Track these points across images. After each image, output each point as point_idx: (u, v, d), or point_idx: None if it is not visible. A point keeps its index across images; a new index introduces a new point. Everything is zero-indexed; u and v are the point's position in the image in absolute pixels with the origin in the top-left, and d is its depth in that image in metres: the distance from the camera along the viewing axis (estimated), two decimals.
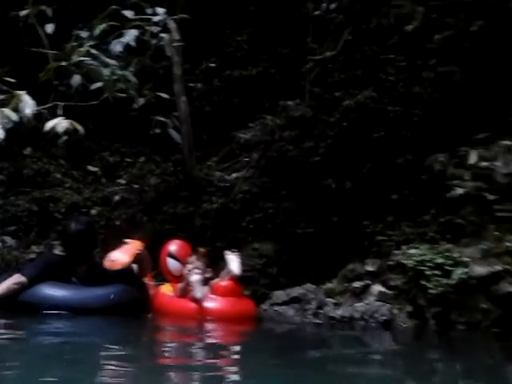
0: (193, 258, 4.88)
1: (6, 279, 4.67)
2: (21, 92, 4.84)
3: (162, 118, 6.29)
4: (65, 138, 8.27)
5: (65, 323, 4.31)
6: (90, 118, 5.27)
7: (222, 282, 4.73)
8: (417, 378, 2.94)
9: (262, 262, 5.59)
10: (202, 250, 4.94)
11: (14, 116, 4.70)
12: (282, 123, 5.86)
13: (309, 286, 4.92)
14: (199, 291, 4.55)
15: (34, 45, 8.13)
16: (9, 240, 7.22)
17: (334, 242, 5.37)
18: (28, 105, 4.72)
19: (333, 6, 5.64)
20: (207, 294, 4.68)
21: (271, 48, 7.14)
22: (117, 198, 7.50)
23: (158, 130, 6.90)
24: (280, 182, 5.78)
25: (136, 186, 7.36)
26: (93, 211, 7.52)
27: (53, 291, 4.59)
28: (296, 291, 4.90)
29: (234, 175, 6.21)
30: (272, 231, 5.70)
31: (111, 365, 3.06)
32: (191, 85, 7.18)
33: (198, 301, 4.59)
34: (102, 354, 3.37)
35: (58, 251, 7.60)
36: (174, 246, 5.25)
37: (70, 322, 4.34)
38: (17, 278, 4.58)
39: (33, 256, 7.59)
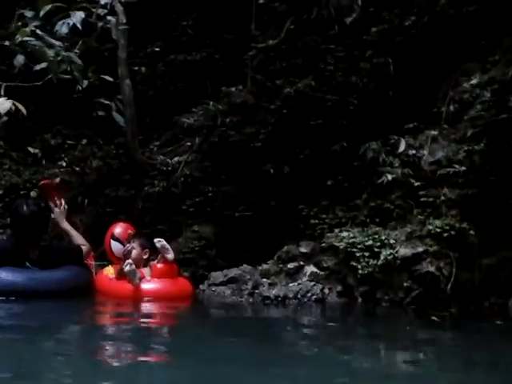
0: (131, 241, 4.96)
1: None
2: None
3: (105, 101, 6.32)
4: (5, 118, 8.17)
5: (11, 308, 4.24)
6: (32, 99, 5.22)
7: (158, 264, 4.83)
8: (342, 351, 3.13)
9: (200, 244, 5.72)
10: (130, 232, 5.05)
11: None
12: (224, 109, 5.97)
13: (245, 267, 5.08)
14: (135, 277, 4.64)
15: None
16: None
17: (271, 224, 5.55)
18: None
19: None
20: (146, 275, 4.78)
21: (216, 34, 7.22)
22: (57, 180, 7.46)
23: (101, 113, 6.89)
24: (221, 166, 5.91)
25: (77, 169, 7.34)
26: (32, 193, 7.46)
27: (8, 276, 4.50)
28: (233, 272, 5.05)
29: (176, 159, 6.29)
30: (211, 214, 5.83)
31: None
32: (135, 68, 7.20)
33: (131, 282, 4.68)
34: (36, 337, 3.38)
35: None
36: (118, 229, 5.30)
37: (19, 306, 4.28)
38: None
39: None
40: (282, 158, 5.56)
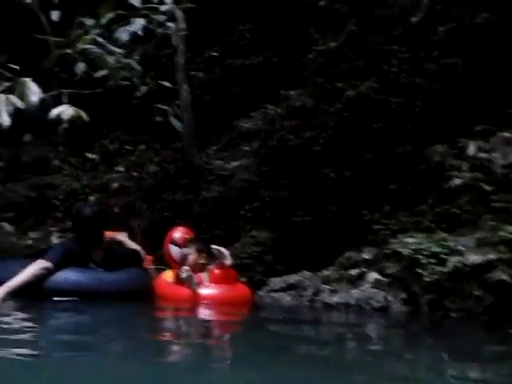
0: (188, 246, 4.92)
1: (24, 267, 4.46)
2: (26, 79, 4.86)
3: (163, 106, 6.33)
4: (66, 125, 8.32)
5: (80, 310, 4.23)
6: (91, 106, 5.27)
7: (216, 270, 4.76)
8: (405, 363, 2.96)
9: (258, 250, 5.62)
10: (187, 237, 5.00)
11: (19, 103, 4.71)
12: (283, 112, 5.88)
13: (305, 273, 4.94)
14: (192, 283, 4.59)
15: (36, 32, 8.19)
16: (6, 226, 7.24)
17: (330, 230, 5.40)
18: (34, 92, 4.74)
19: None
20: (204, 280, 4.71)
21: (274, 37, 7.16)
22: (115, 185, 7.54)
23: (159, 118, 6.94)
24: (279, 170, 5.80)
25: (134, 174, 7.39)
26: (91, 198, 7.55)
27: (78, 276, 4.49)
28: (293, 278, 4.92)
29: (234, 164, 6.22)
30: (269, 219, 5.73)
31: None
32: (193, 73, 7.20)
33: (189, 287, 4.62)
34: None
35: (55, 238, 7.71)
36: (177, 233, 5.28)
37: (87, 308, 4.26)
38: (42, 264, 4.41)
39: (29, 243, 7.68)
40: (343, 162, 5.42)
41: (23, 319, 3.79)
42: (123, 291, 4.55)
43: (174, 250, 5.19)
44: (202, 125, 6.88)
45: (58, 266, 4.46)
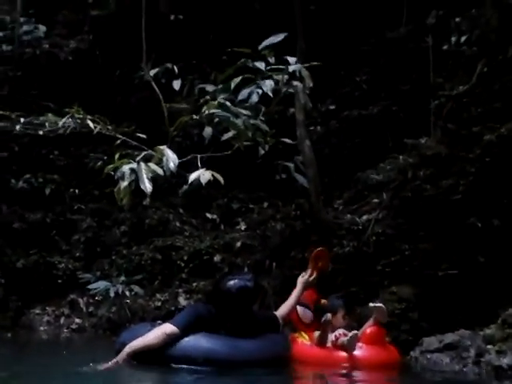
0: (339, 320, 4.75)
1: (150, 330, 4.17)
2: (162, 147, 5.01)
3: (287, 163, 6.33)
4: (186, 187, 8.52)
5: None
6: (218, 168, 5.33)
7: (370, 329, 4.57)
8: None
9: (401, 307, 5.36)
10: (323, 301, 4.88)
11: (159, 170, 4.83)
12: (414, 162, 5.69)
13: (463, 331, 4.63)
14: (354, 348, 4.40)
15: (147, 101, 8.53)
16: (136, 289, 7.36)
17: (481, 284, 5.07)
18: (171, 158, 4.87)
19: (463, 38, 5.47)
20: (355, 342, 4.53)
21: (391, 85, 7.05)
22: (238, 244, 7.55)
23: (284, 175, 6.93)
24: (416, 222, 5.56)
25: (258, 232, 7.37)
26: (215, 258, 7.60)
27: (209, 344, 4.11)
28: (449, 337, 4.62)
29: (365, 217, 6.05)
30: (410, 274, 5.47)
31: None
32: (311, 128, 7.18)
33: (348, 351, 4.44)
34: None
35: (182, 299, 7.77)
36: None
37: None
38: (168, 328, 4.08)
39: (158, 304, 7.78)
40: (489, 210, 5.12)
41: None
42: (258, 359, 4.19)
43: (303, 312, 5.04)
44: (322, 179, 6.81)
45: (186, 331, 4.11)
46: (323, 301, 5.10)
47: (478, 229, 5.09)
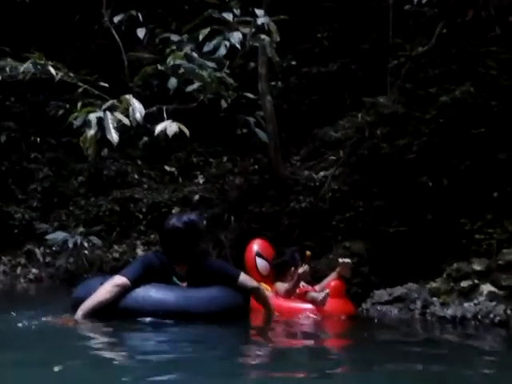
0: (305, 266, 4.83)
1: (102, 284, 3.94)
2: (128, 96, 4.93)
3: (248, 118, 6.36)
4: (146, 139, 8.43)
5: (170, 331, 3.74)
6: (182, 120, 5.29)
7: (332, 283, 4.74)
8: None
9: (353, 261, 5.54)
10: (308, 253, 4.91)
11: (125, 120, 4.79)
12: (372, 120, 5.81)
13: (411, 285, 4.87)
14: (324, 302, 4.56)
15: (107, 48, 8.34)
16: (95, 240, 7.36)
17: (428, 240, 5.30)
18: (137, 109, 4.81)
19: None
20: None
21: (351, 44, 7.10)
22: (196, 197, 7.60)
23: (244, 130, 6.97)
24: (371, 180, 5.73)
25: (216, 185, 7.43)
26: (174, 211, 7.64)
27: (159, 294, 3.88)
28: (398, 290, 4.86)
29: (322, 173, 6.19)
30: (363, 230, 5.67)
31: None
32: (272, 83, 7.19)
33: (318, 305, 4.58)
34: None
35: (140, 251, 7.84)
36: (260, 245, 5.20)
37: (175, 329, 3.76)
38: (118, 280, 3.86)
39: (116, 256, 7.83)
40: (440, 170, 5.31)
41: (104, 342, 3.43)
42: (212, 310, 3.96)
43: (261, 263, 5.11)
44: (280, 134, 6.89)
45: (137, 282, 3.90)
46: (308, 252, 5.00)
47: (428, 188, 5.28)
